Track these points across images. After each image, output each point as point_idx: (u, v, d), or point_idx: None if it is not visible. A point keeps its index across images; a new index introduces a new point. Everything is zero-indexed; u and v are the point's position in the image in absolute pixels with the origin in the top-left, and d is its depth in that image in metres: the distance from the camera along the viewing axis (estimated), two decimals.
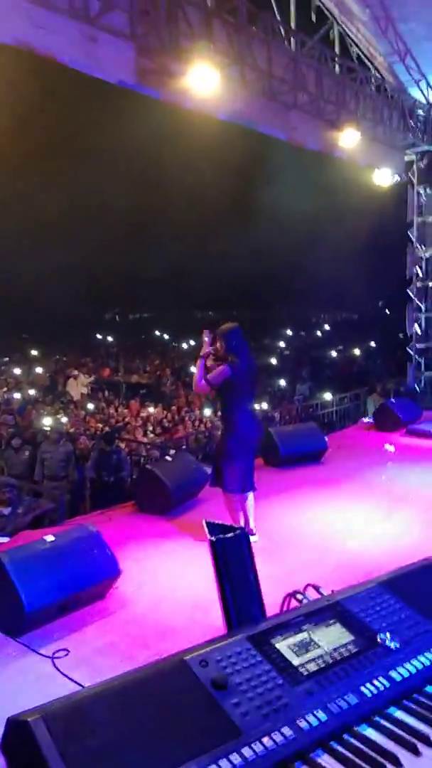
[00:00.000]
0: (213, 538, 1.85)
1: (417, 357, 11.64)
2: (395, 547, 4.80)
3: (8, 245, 29.67)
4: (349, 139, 8.98)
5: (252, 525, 4.95)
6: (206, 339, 4.95)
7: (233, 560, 1.85)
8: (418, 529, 5.20)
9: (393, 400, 10.39)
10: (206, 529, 1.96)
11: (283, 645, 1.39)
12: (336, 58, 9.25)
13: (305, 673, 1.34)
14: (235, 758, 1.12)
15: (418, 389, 11.57)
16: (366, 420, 10.54)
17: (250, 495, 4.97)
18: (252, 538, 4.69)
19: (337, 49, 9.38)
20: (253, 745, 1.15)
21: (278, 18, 8.39)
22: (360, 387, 14.40)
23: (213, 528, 1.98)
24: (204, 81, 6.59)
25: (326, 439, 7.96)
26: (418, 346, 11.59)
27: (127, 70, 6.52)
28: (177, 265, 36.29)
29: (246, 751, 1.14)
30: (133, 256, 34.75)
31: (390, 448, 8.28)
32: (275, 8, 8.40)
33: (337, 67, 9.25)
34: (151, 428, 12.57)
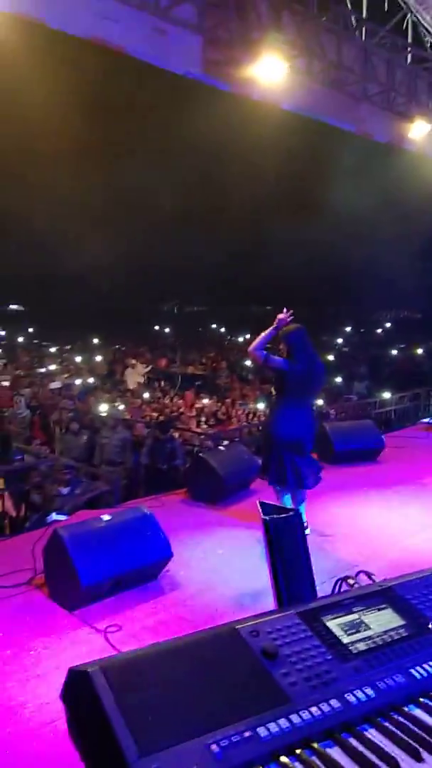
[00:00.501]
0: (266, 518, 1.88)
1: None
2: None
3: (71, 235, 30.46)
4: (419, 131, 8.75)
5: (304, 519, 4.93)
6: (281, 317, 4.86)
7: (285, 540, 1.87)
8: None
9: None
10: (260, 509, 1.99)
11: (333, 623, 1.41)
12: (408, 48, 9.00)
13: (354, 651, 1.35)
14: (283, 722, 1.15)
15: None
16: (426, 421, 10.27)
17: (304, 491, 4.94)
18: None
19: (409, 39, 9.12)
20: (301, 712, 1.18)
21: (349, 7, 8.24)
22: (420, 387, 14.01)
23: (266, 508, 2.01)
24: (271, 72, 6.59)
25: (383, 437, 7.81)
26: None
27: (195, 62, 6.60)
28: (235, 259, 36.27)
29: (294, 718, 1.17)
30: (192, 249, 34.98)
31: None
32: None
33: (409, 57, 9.01)
34: (204, 420, 12.68)
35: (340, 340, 28.40)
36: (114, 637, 3.55)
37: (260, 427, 11.00)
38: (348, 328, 32.28)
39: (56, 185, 26.61)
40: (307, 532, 4.75)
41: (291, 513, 1.97)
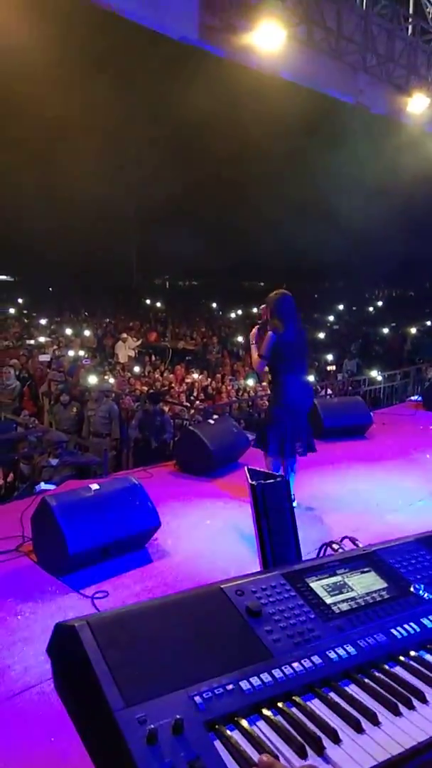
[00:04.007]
0: (254, 483, 1.90)
1: None
2: None
3: (63, 209, 30.04)
4: (417, 104, 8.63)
5: (292, 491, 4.99)
6: (261, 314, 4.98)
7: (272, 505, 1.89)
8: None
9: None
10: (247, 475, 2.01)
11: (317, 585, 1.43)
12: (410, 19, 8.82)
13: (337, 611, 1.38)
14: (266, 677, 1.18)
15: None
16: (414, 398, 10.35)
17: (295, 465, 4.99)
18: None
19: (410, 9, 8.92)
20: (283, 668, 1.20)
21: None
22: (410, 365, 14.09)
23: (254, 474, 2.02)
24: (270, 39, 6.44)
25: (371, 414, 7.88)
26: None
27: (191, 26, 6.42)
28: (227, 234, 35.94)
29: (276, 672, 1.19)
30: (183, 223, 34.62)
31: None
32: None
33: (410, 28, 8.82)
34: (195, 394, 12.70)
35: (331, 318, 28.36)
36: (101, 603, 3.60)
37: (250, 402, 11.04)
38: (341, 306, 32.22)
39: (50, 151, 26.07)
40: (294, 505, 4.85)
41: (278, 479, 1.99)
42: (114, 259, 37.06)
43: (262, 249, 34.74)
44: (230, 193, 33.27)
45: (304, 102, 11.31)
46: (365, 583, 1.46)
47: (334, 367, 15.81)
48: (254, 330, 5.03)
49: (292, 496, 4.95)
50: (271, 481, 1.94)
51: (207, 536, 4.51)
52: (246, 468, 2.18)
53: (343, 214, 25.95)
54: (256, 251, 35.59)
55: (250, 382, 13.64)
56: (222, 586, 1.36)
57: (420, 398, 9.74)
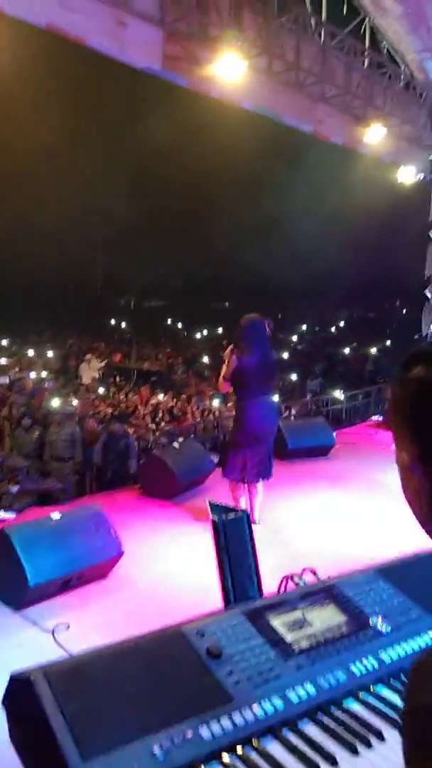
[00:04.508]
0: (215, 518, 1.90)
1: None
2: (395, 546, 4.82)
3: (28, 229, 29.83)
4: (374, 134, 8.93)
5: (257, 515, 5.00)
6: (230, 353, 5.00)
7: (234, 540, 1.90)
8: (419, 530, 5.21)
9: None
10: (209, 509, 2.01)
11: (278, 622, 1.44)
12: (366, 53, 9.16)
13: (297, 649, 1.39)
14: (226, 722, 1.17)
15: None
16: (375, 418, 10.54)
17: (259, 485, 5.01)
18: (254, 527, 4.78)
19: (367, 44, 9.28)
20: (243, 711, 1.20)
21: (309, 9, 8.32)
22: (371, 385, 14.36)
23: (216, 508, 2.03)
24: (231, 70, 6.60)
25: (334, 434, 7.98)
26: None
27: (154, 57, 6.53)
28: (192, 254, 36.23)
29: (236, 716, 1.19)
30: (149, 244, 34.78)
31: None
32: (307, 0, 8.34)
33: (366, 61, 9.17)
34: (160, 416, 12.64)
35: (295, 338, 28.76)
36: (62, 636, 3.50)
37: (216, 424, 11.05)
38: (304, 326, 32.72)
39: (12, 175, 25.94)
40: (258, 527, 4.85)
41: (240, 513, 1.99)
42: (78, 279, 36.86)
43: (228, 269, 35.14)
44: (195, 214, 33.67)
45: (265, 130, 11.59)
46: (325, 618, 1.48)
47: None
48: (229, 349, 5.01)
49: (257, 519, 4.98)
50: (233, 515, 1.94)
51: (171, 563, 4.47)
52: (207, 501, 2.18)
53: (305, 238, 26.55)
54: (222, 272, 35.97)
55: (216, 403, 13.68)
56: (182, 628, 1.35)
57: (381, 418, 9.92)
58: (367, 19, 9.29)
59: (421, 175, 10.93)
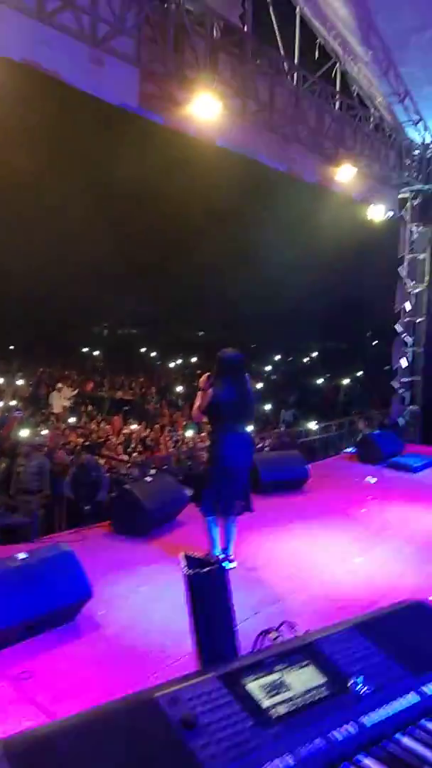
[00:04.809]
0: (189, 572, 1.83)
1: (401, 391, 11.72)
2: (371, 582, 4.78)
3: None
4: (345, 174, 9.17)
5: (231, 551, 4.92)
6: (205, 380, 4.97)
7: (208, 596, 1.83)
8: (396, 565, 5.20)
9: (377, 432, 10.49)
10: (183, 563, 1.94)
11: (255, 685, 1.38)
12: (337, 96, 9.46)
13: (275, 715, 1.32)
14: None
15: (401, 423, 11.64)
16: (348, 450, 10.59)
17: (233, 520, 4.93)
18: (230, 565, 4.69)
19: (338, 87, 9.59)
20: None
21: (282, 54, 8.59)
22: (345, 416, 14.48)
23: (190, 561, 1.96)
24: (206, 110, 6.71)
25: (308, 467, 7.97)
26: (402, 379, 11.69)
27: (131, 94, 6.62)
28: (167, 284, 36.47)
29: None
30: (124, 273, 34.92)
31: (371, 480, 8.31)
32: (280, 44, 8.61)
33: (337, 104, 9.47)
34: (132, 446, 12.48)
35: (269, 368, 28.97)
36: (25, 685, 3.33)
37: (189, 455, 10.94)
38: (277, 356, 33.03)
39: None
40: (233, 566, 4.76)
41: (216, 566, 1.93)
42: (51, 307, 36.64)
43: (202, 299, 35.43)
44: (171, 245, 34.01)
45: (240, 167, 11.84)
46: (303, 680, 1.42)
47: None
48: (205, 376, 4.96)
49: (231, 557, 4.89)
50: (207, 569, 1.88)
51: (141, 605, 4.33)
52: (182, 555, 2.10)
53: (278, 270, 27.04)
54: (196, 302, 36.24)
55: (189, 433, 13.59)
56: (155, 695, 1.28)
57: (354, 450, 9.96)
58: (338, 64, 9.63)
59: (391, 213, 11.24)
